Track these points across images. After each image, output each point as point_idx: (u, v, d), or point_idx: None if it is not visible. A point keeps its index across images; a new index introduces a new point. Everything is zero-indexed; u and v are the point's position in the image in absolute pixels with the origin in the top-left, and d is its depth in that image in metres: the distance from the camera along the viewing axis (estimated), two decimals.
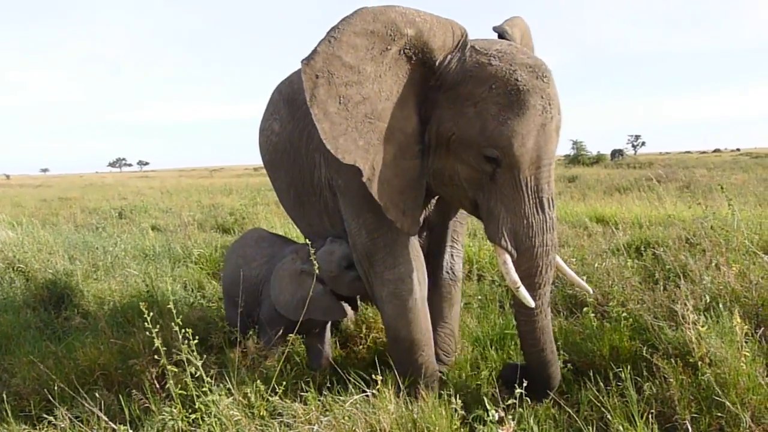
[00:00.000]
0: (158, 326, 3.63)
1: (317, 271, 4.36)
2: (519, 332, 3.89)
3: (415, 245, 4.24)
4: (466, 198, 3.76)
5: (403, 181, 3.80)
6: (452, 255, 4.75)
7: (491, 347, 4.90)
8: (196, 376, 3.60)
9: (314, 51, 3.48)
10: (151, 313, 3.69)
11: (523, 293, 3.58)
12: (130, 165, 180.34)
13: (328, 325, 5.03)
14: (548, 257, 3.60)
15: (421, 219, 4.30)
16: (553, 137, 3.51)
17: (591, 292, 4.22)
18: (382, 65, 3.58)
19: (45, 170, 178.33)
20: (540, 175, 3.49)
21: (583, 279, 5.16)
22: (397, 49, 3.57)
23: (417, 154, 3.77)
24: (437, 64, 3.62)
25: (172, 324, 3.60)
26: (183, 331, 3.54)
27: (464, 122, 3.53)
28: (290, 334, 4.44)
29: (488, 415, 3.29)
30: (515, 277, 3.57)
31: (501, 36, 4.04)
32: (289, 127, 4.72)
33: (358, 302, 5.20)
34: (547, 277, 3.65)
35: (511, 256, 3.59)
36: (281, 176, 5.09)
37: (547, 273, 3.64)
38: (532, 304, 3.58)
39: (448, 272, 4.70)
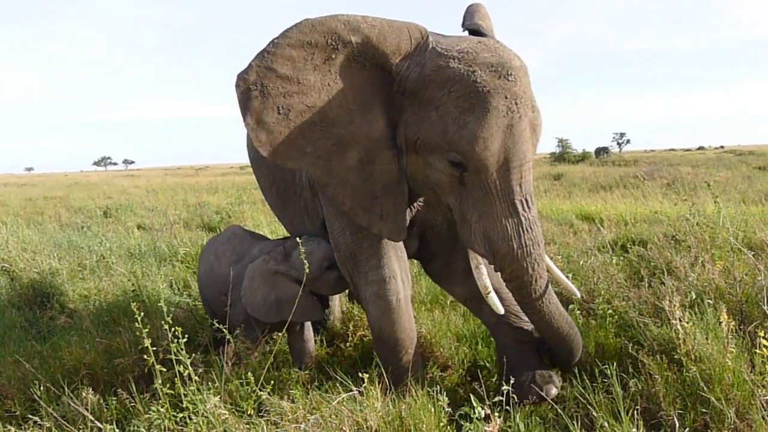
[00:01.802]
0: (148, 327, 3.61)
1: (294, 273, 4.34)
2: (532, 322, 3.95)
3: (399, 246, 4.23)
4: (441, 201, 3.73)
5: (377, 186, 3.78)
6: None
7: (477, 344, 4.92)
8: (185, 374, 3.58)
9: (248, 65, 3.56)
10: (142, 313, 3.68)
11: (493, 299, 3.69)
12: (115, 164, 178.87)
13: (308, 323, 5.00)
14: (531, 256, 3.53)
15: (407, 221, 4.27)
16: (525, 137, 3.41)
17: (578, 294, 4.15)
18: (330, 74, 3.61)
19: (29, 169, 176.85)
20: (510, 177, 3.41)
21: (569, 278, 5.19)
22: (344, 57, 3.59)
23: (391, 159, 3.73)
24: (395, 68, 3.59)
25: (160, 323, 3.59)
26: (173, 329, 3.53)
27: (427, 127, 3.48)
28: (274, 333, 4.43)
29: (474, 413, 3.30)
30: (486, 282, 3.70)
31: (476, 32, 3.92)
32: None
33: (342, 301, 5.21)
34: (536, 274, 3.57)
35: (487, 260, 3.62)
36: (264, 174, 5.11)
37: (535, 270, 3.56)
38: (501, 310, 3.74)
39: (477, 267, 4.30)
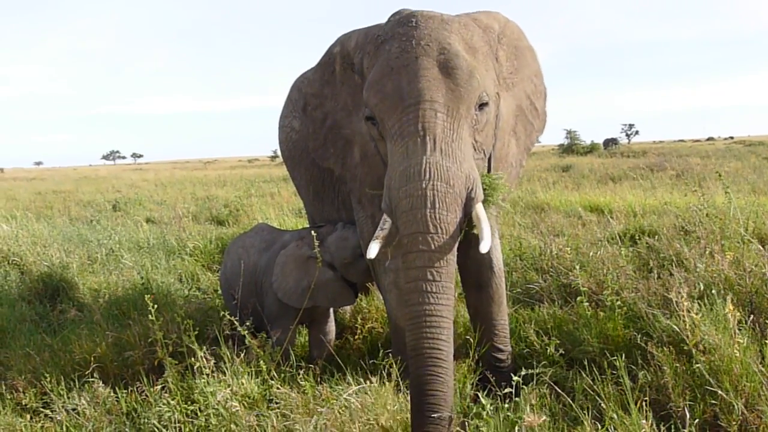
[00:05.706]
0: (160, 320, 3.63)
1: (328, 258, 4.37)
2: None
3: None
4: None
5: (375, 176, 3.87)
6: (491, 248, 4.41)
7: None
8: (195, 367, 3.60)
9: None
10: (155, 306, 3.70)
11: (371, 247, 3.40)
12: (124, 157, 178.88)
13: (332, 313, 5.04)
14: (427, 209, 3.13)
15: None
16: (423, 75, 3.26)
17: (484, 241, 3.41)
18: (336, 85, 4.09)
19: (39, 163, 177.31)
20: (405, 117, 3.25)
21: (576, 269, 5.17)
22: (339, 67, 4.06)
23: (374, 150, 3.82)
24: (354, 61, 3.89)
25: (170, 315, 3.60)
26: (184, 322, 3.55)
27: (364, 98, 3.62)
28: (292, 325, 4.45)
29: (482, 408, 3.30)
30: (380, 231, 3.44)
31: None
32: None
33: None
34: (432, 236, 3.14)
35: (390, 218, 3.36)
36: (301, 173, 5.22)
37: (428, 226, 3.13)
38: (372, 255, 3.39)
39: (490, 268, 4.30)
